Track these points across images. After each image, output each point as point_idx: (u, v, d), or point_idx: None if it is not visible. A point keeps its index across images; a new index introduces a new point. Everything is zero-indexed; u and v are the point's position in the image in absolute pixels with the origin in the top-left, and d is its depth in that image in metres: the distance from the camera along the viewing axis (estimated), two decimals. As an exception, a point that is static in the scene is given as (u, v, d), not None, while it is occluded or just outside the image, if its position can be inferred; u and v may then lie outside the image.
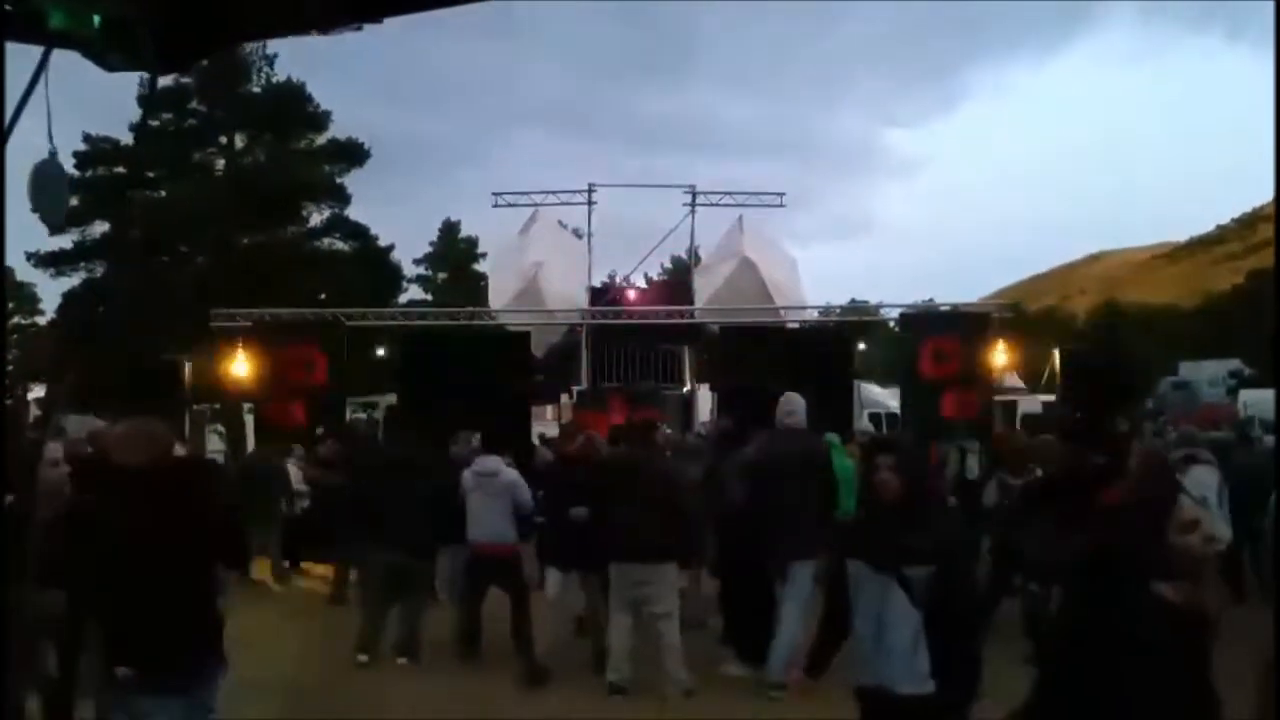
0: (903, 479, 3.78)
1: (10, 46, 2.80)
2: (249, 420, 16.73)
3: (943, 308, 19.69)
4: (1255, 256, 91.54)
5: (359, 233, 39.36)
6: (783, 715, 6.26)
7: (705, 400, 18.87)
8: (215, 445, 17.68)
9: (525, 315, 19.01)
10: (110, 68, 2.93)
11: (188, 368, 15.90)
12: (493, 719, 6.74)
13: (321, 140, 38.31)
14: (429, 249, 52.99)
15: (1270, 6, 3.24)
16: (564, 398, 20.30)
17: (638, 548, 7.06)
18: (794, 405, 7.54)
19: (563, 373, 21.24)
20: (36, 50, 2.82)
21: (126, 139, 35.85)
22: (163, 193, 36.76)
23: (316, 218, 38.93)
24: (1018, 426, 18.70)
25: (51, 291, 37.64)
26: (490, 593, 8.15)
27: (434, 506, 8.26)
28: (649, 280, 35.35)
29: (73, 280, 36.89)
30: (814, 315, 20.48)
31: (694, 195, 21.88)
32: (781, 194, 22.24)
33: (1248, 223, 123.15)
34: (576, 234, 23.54)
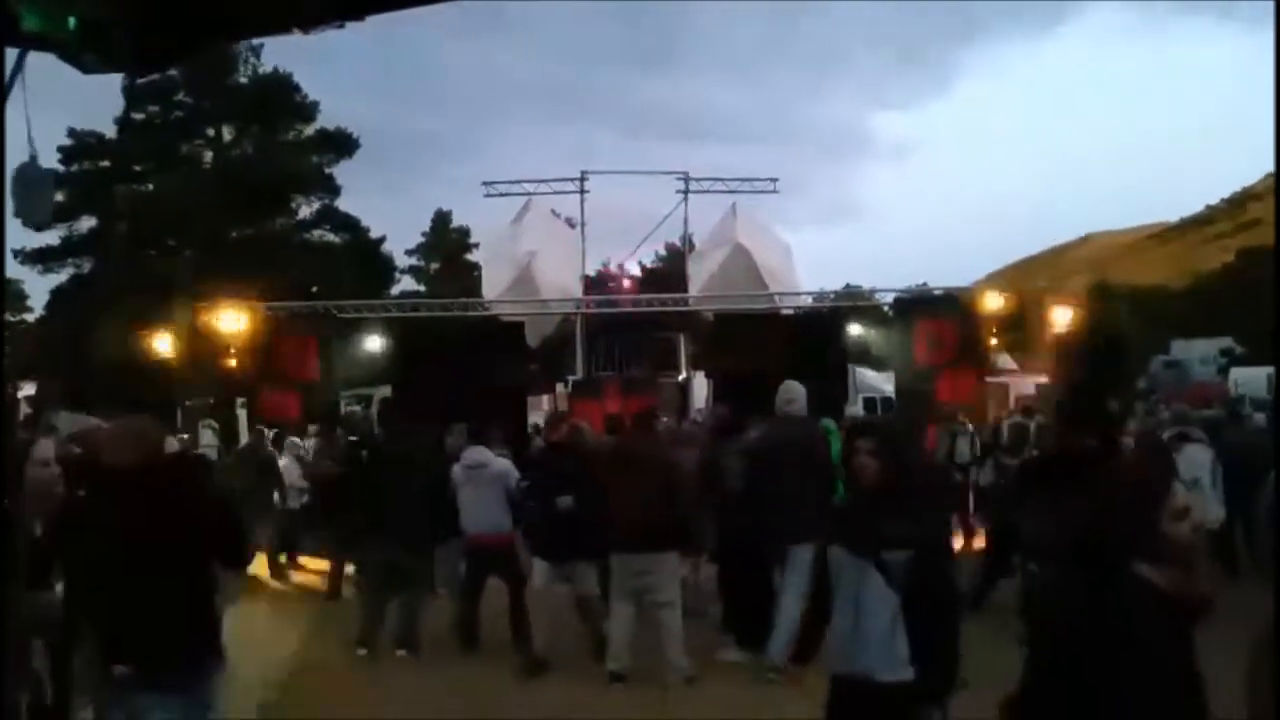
0: (882, 463, 3.74)
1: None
2: (242, 414, 16.68)
3: (936, 292, 19.71)
4: (1244, 235, 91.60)
5: (350, 224, 39.23)
6: (783, 700, 6.28)
7: (701, 388, 18.87)
8: (209, 440, 17.61)
9: (519, 305, 18.97)
10: (86, 69, 2.91)
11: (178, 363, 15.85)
12: (492, 710, 6.73)
13: (310, 131, 38.17)
14: (421, 239, 52.83)
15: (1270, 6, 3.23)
16: (559, 387, 20.28)
17: (639, 537, 7.06)
18: (794, 393, 7.57)
19: (558, 362, 21.24)
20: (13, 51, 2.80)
21: (112, 133, 35.68)
22: (150, 186, 36.61)
23: (306, 210, 38.84)
24: (1011, 408, 18.78)
25: (40, 288, 37.42)
26: (487, 585, 8.18)
27: (431, 499, 8.26)
28: (643, 268, 35.41)
29: (61, 276, 36.78)
30: (808, 301, 20.46)
31: (687, 182, 21.86)
32: (775, 179, 22.28)
33: (1237, 202, 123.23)
34: (569, 223, 23.48)
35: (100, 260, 35.70)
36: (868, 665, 3.57)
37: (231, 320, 16.14)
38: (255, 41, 36.20)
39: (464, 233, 50.84)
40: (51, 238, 35.56)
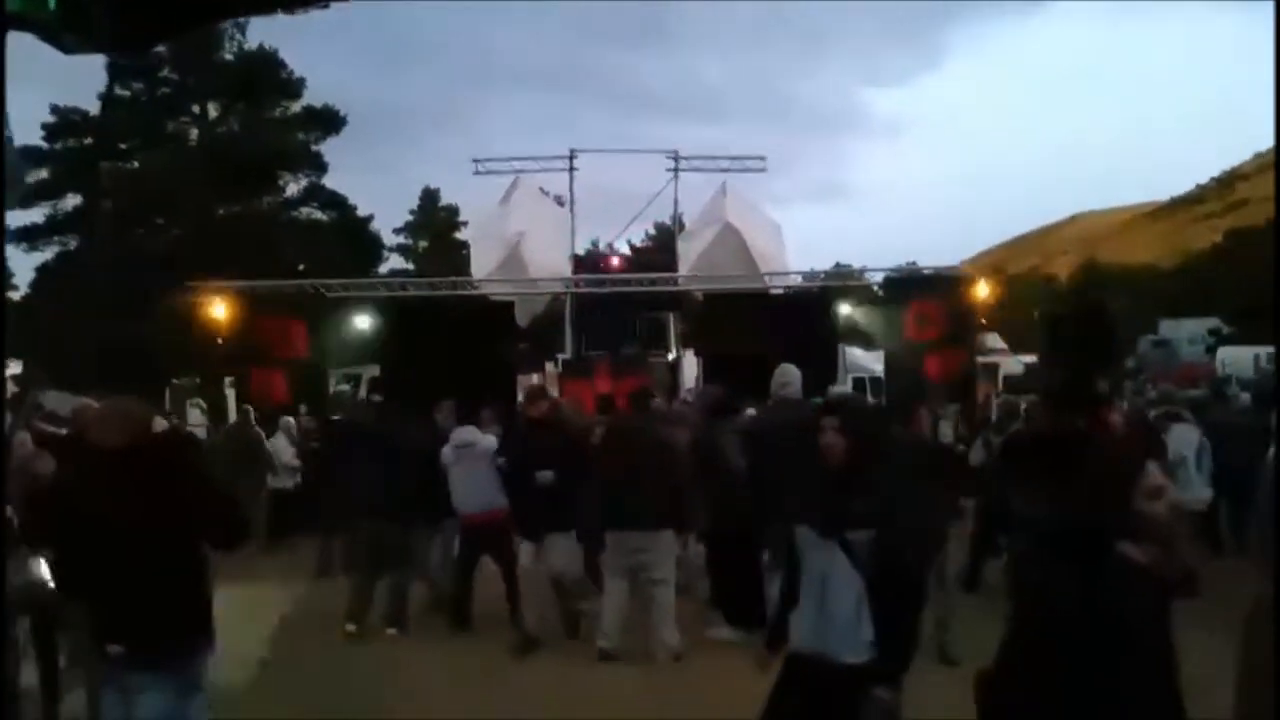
0: (848, 441, 3.66)
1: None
2: (230, 394, 16.63)
3: (926, 271, 19.71)
4: (1233, 215, 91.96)
5: (337, 202, 39.05)
6: (771, 678, 6.30)
7: (691, 367, 18.86)
8: (196, 419, 17.57)
9: (508, 284, 18.91)
10: (66, 50, 2.88)
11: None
12: (481, 688, 6.75)
13: (296, 108, 37.89)
14: (409, 218, 52.60)
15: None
16: (549, 366, 20.25)
17: (636, 515, 7.09)
18: (789, 376, 7.60)
19: (547, 341, 21.19)
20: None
21: (96, 109, 35.41)
22: (135, 164, 36.32)
23: (293, 187, 38.66)
24: (1000, 388, 18.86)
25: (24, 266, 37.13)
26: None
27: (419, 478, 8.26)
28: (632, 247, 35.32)
29: (46, 254, 36.51)
30: (798, 280, 20.43)
31: (676, 160, 21.75)
32: (763, 158, 22.16)
33: (1226, 182, 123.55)
34: (559, 201, 23.37)
35: (86, 238, 35.47)
36: (831, 646, 3.51)
37: (218, 299, 16.06)
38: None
39: (452, 211, 50.65)
40: (37, 215, 35.35)
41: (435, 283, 20.73)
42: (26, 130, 34.01)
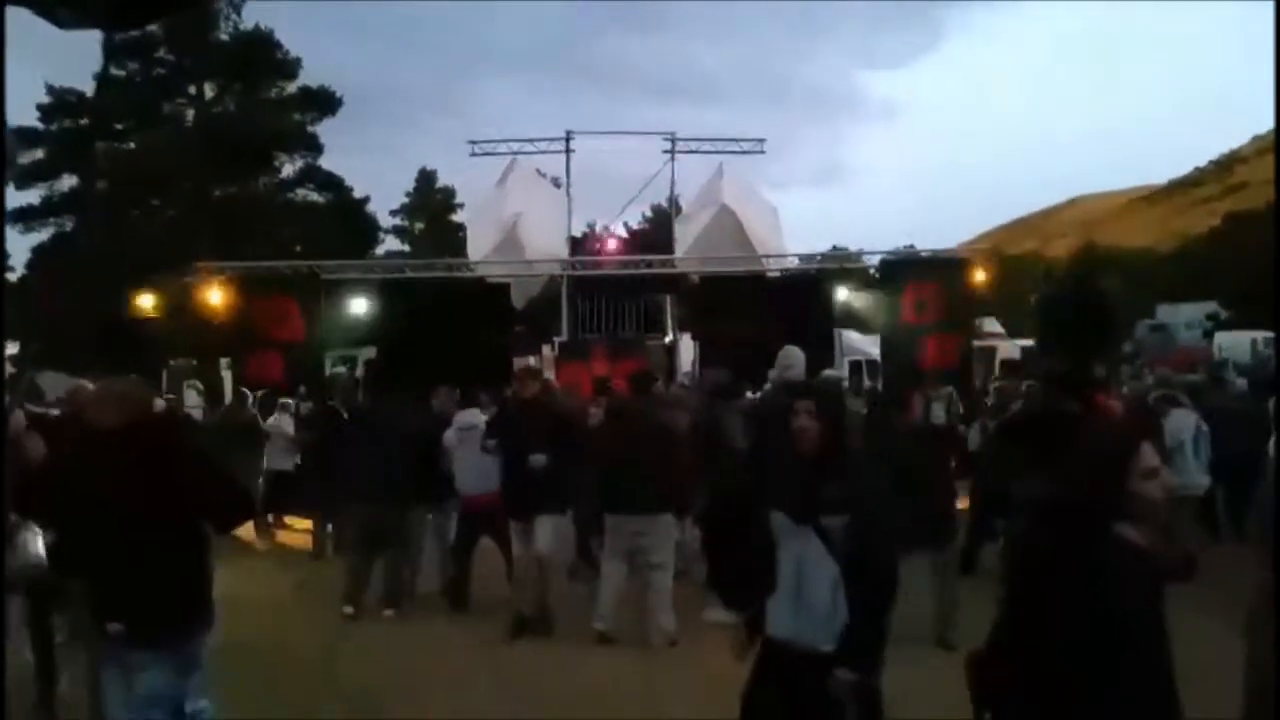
0: (822, 426, 3.61)
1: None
2: (227, 376, 16.61)
3: (923, 254, 19.67)
4: (1231, 199, 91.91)
5: (333, 183, 38.94)
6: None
7: (687, 350, 18.85)
8: (193, 401, 17.55)
9: (505, 266, 18.87)
10: (62, 25, 2.86)
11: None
12: (475, 669, 6.77)
13: (292, 89, 37.73)
14: (405, 199, 52.47)
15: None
16: (545, 349, 20.23)
17: (636, 499, 7.08)
18: (793, 359, 7.60)
19: (544, 324, 21.16)
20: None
21: (92, 90, 35.24)
22: (131, 145, 36.16)
23: (289, 168, 38.53)
24: (996, 371, 18.86)
25: (20, 247, 37.01)
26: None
27: (416, 461, 8.27)
28: (629, 229, 35.24)
29: (42, 235, 36.40)
30: (795, 263, 20.38)
31: (673, 143, 21.66)
32: (762, 140, 22.07)
33: (1224, 165, 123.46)
34: (555, 183, 23.29)
35: (81, 219, 35.35)
36: (806, 634, 3.47)
37: (214, 281, 16.02)
38: (236, -2, 35.85)
39: (449, 193, 50.59)
40: (32, 196, 35.22)
41: (432, 264, 20.68)
42: (22, 111, 33.88)
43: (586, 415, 8.87)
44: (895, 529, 3.78)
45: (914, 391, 8.89)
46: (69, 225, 36.07)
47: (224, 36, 36.73)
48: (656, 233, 29.84)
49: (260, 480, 12.00)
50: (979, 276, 16.22)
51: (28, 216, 35.42)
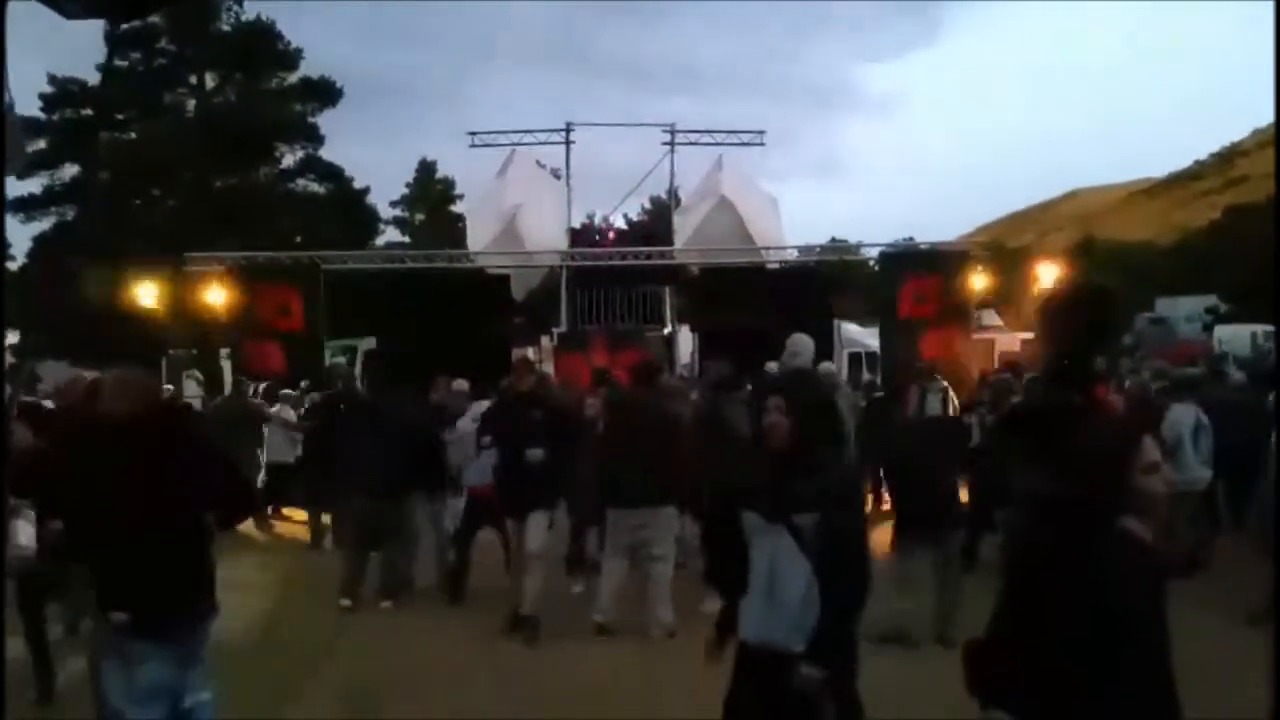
0: (793, 422, 3.54)
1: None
2: (226, 366, 16.62)
3: (922, 246, 19.67)
4: (1232, 192, 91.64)
5: (333, 174, 38.87)
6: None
7: (686, 341, 18.86)
8: (193, 391, 17.57)
9: (504, 257, 18.88)
10: (69, 15, 2.85)
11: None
12: (474, 661, 6.78)
13: (293, 79, 37.66)
14: (405, 190, 52.37)
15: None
16: (544, 340, 20.25)
17: (638, 491, 7.06)
18: (799, 346, 7.60)
19: (543, 315, 21.18)
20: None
21: (94, 79, 35.17)
22: (133, 135, 36.12)
23: (290, 159, 38.46)
24: (995, 364, 18.84)
25: (22, 236, 36.94)
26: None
27: (414, 453, 8.27)
28: (628, 221, 35.21)
29: (43, 225, 36.35)
30: (794, 255, 20.39)
31: (673, 134, 21.66)
32: (762, 132, 22.06)
33: (1225, 158, 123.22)
34: (555, 174, 23.28)
35: (83, 209, 35.31)
36: (780, 635, 3.41)
37: (214, 271, 16.03)
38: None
39: (449, 184, 50.48)
40: (34, 186, 35.15)
41: (431, 255, 20.68)
42: (24, 101, 33.79)
43: (583, 407, 8.86)
44: (865, 526, 3.74)
45: (910, 385, 8.89)
46: (70, 215, 36.03)
47: (225, 27, 36.68)
48: (656, 224, 29.82)
49: (262, 472, 12.01)
50: (978, 269, 16.24)
51: (29, 206, 35.37)
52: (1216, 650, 4.48)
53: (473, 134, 21.63)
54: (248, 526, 11.33)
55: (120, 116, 36.34)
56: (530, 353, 19.16)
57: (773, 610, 3.44)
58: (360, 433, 8.56)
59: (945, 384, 12.27)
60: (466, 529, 8.32)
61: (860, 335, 21.39)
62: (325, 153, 38.58)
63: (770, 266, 19.18)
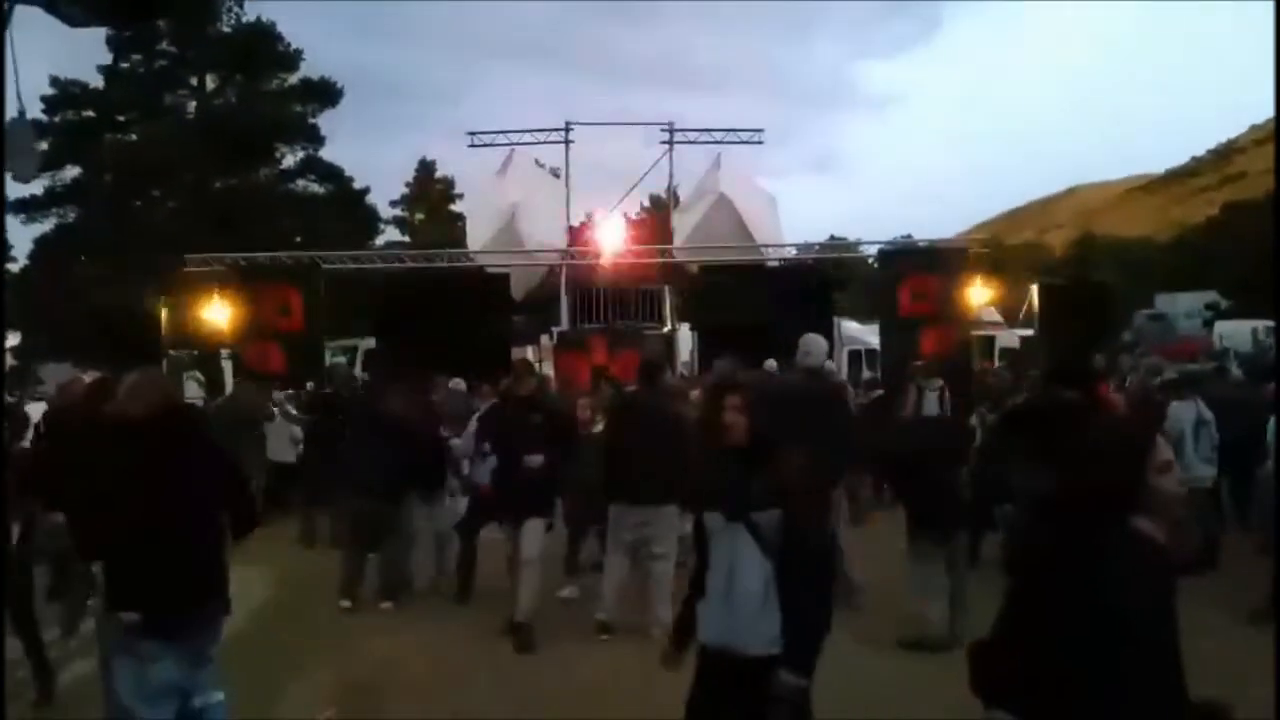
0: (751, 420, 3.53)
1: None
2: (227, 366, 16.63)
3: (921, 244, 19.66)
4: (1229, 188, 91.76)
5: (334, 174, 38.85)
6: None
7: (686, 340, 18.87)
8: (194, 392, 17.57)
9: (504, 256, 18.89)
10: (72, 22, 2.88)
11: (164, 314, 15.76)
12: (474, 660, 6.79)
13: (293, 80, 37.67)
14: (405, 190, 52.34)
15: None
16: (544, 339, 20.26)
17: (642, 489, 7.07)
18: (811, 346, 7.60)
19: (543, 314, 21.18)
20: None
21: (95, 82, 35.19)
22: (134, 136, 36.12)
23: (290, 159, 38.45)
24: (996, 361, 18.85)
25: (23, 238, 36.91)
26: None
27: (412, 453, 8.27)
28: (628, 219, 35.17)
29: (45, 226, 36.35)
30: (793, 253, 20.40)
31: (671, 133, 21.64)
32: (760, 130, 22.04)
33: (1222, 154, 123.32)
34: (554, 173, 23.27)
35: (84, 210, 35.32)
36: (739, 637, 3.37)
37: (215, 271, 16.02)
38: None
39: (449, 183, 50.45)
40: (35, 187, 35.08)
41: (431, 255, 20.69)
42: (26, 102, 33.67)
43: (578, 410, 8.86)
44: (829, 523, 3.70)
45: (909, 383, 8.89)
46: (71, 216, 36.03)
47: (226, 29, 36.70)
48: (655, 223, 29.81)
49: (265, 474, 12.00)
50: (977, 266, 16.24)
51: (30, 207, 35.37)
52: (1218, 648, 4.47)
53: (472, 133, 21.62)
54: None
55: (121, 118, 36.35)
56: (530, 352, 19.19)
57: (730, 612, 3.40)
58: (360, 433, 8.56)
59: (942, 383, 12.28)
60: (471, 521, 8.32)
61: (860, 333, 21.41)
62: (325, 153, 38.59)
63: (770, 264, 19.19)
